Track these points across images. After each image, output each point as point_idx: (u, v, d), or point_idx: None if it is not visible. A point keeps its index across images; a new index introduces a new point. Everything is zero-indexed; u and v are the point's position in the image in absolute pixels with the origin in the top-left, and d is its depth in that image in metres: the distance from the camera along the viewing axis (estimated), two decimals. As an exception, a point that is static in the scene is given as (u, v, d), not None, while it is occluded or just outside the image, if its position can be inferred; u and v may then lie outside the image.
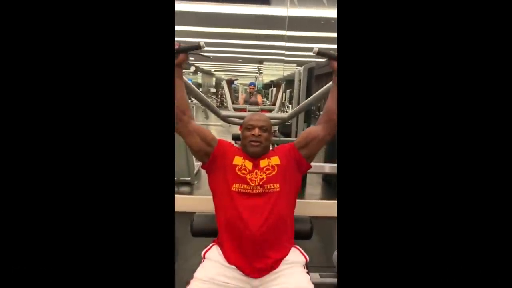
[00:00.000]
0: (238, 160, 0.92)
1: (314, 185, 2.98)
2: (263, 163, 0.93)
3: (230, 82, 3.93)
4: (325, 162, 2.72)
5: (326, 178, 3.03)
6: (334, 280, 1.34)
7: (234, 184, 0.88)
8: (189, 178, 2.71)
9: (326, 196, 2.83)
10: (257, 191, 0.87)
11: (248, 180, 0.88)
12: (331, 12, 3.74)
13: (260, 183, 0.88)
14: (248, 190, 0.87)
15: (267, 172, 0.90)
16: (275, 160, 0.93)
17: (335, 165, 1.54)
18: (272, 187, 0.88)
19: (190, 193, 2.65)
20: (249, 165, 0.92)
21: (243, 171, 0.90)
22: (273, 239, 0.84)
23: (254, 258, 0.82)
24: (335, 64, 0.88)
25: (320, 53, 0.87)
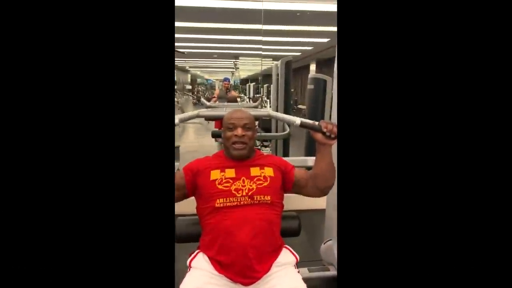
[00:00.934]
0: (215, 175, 0.85)
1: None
2: (254, 171, 0.86)
3: (208, 100, 4.27)
4: (306, 156, 2.75)
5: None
6: (323, 274, 1.34)
7: (218, 200, 0.81)
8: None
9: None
10: (245, 202, 0.81)
11: (233, 192, 0.82)
12: (307, 5, 3.75)
13: (249, 194, 0.82)
14: (235, 203, 0.81)
15: (258, 182, 0.84)
16: (268, 172, 0.87)
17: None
18: (262, 198, 0.82)
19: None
20: (231, 173, 0.85)
21: (226, 184, 0.83)
22: (263, 253, 0.80)
23: (243, 273, 0.77)
24: (318, 135, 0.83)
25: (302, 125, 0.85)
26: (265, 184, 0.85)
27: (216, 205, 0.81)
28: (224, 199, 0.81)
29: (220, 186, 0.83)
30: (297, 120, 0.86)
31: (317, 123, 0.84)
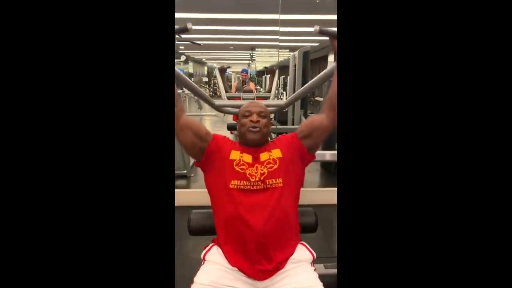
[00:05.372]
0: (235, 155, 0.85)
1: (312, 173, 2.95)
2: (264, 156, 0.85)
3: (222, 70, 3.79)
4: (323, 150, 2.68)
5: (325, 165, 3.00)
6: (339, 270, 1.31)
7: (232, 181, 0.81)
8: (185, 171, 2.65)
9: (324, 183, 2.81)
10: (258, 187, 0.80)
11: (247, 175, 0.81)
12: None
13: (261, 178, 0.81)
14: (249, 187, 0.80)
15: (268, 166, 0.83)
16: (276, 153, 0.86)
17: (335, 152, 1.49)
18: (274, 182, 0.81)
19: (187, 186, 2.59)
20: (248, 158, 0.84)
21: (242, 166, 0.83)
22: (278, 239, 0.78)
23: (258, 260, 0.76)
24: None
25: (321, 32, 0.81)
26: (275, 167, 0.83)
27: (230, 186, 0.80)
28: (238, 181, 0.81)
29: (236, 168, 0.82)
30: (316, 27, 0.82)
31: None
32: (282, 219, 0.79)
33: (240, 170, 0.82)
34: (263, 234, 0.76)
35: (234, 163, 0.83)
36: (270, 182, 0.81)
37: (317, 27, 0.81)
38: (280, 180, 0.82)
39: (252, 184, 0.80)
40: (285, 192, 0.82)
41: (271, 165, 0.83)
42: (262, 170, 0.82)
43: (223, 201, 0.81)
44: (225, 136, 0.92)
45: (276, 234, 0.77)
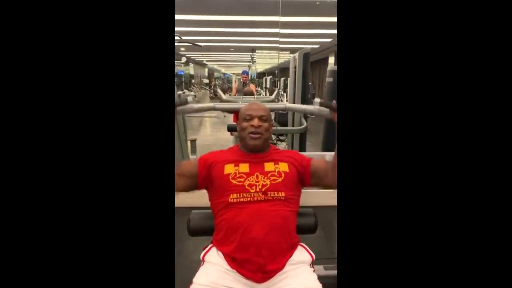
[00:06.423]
0: (229, 169, 0.83)
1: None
2: (268, 167, 0.84)
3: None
4: (323, 151, 2.68)
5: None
6: (339, 272, 1.30)
7: (231, 195, 0.80)
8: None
9: (325, 184, 2.79)
10: (259, 198, 0.79)
11: (247, 187, 0.80)
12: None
13: (263, 190, 0.80)
14: (249, 199, 0.79)
15: (272, 178, 0.82)
16: (283, 167, 0.85)
17: (333, 154, 1.49)
18: (276, 195, 0.80)
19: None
20: (244, 168, 0.83)
21: (239, 179, 0.82)
22: (277, 250, 0.77)
23: (256, 269, 0.75)
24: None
25: (322, 105, 0.82)
26: (279, 180, 0.82)
27: (230, 200, 0.80)
28: (238, 194, 0.80)
29: (233, 181, 0.81)
30: (317, 99, 0.83)
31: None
32: (283, 231, 0.79)
33: (238, 183, 0.81)
34: (263, 245, 0.75)
35: (230, 177, 0.82)
36: (271, 194, 0.80)
37: (317, 100, 0.82)
38: (283, 194, 0.81)
39: (252, 195, 0.79)
40: (286, 205, 0.81)
41: (275, 177, 0.82)
42: (264, 181, 0.81)
43: (225, 214, 0.81)
44: (212, 152, 0.90)
45: (276, 245, 0.77)
